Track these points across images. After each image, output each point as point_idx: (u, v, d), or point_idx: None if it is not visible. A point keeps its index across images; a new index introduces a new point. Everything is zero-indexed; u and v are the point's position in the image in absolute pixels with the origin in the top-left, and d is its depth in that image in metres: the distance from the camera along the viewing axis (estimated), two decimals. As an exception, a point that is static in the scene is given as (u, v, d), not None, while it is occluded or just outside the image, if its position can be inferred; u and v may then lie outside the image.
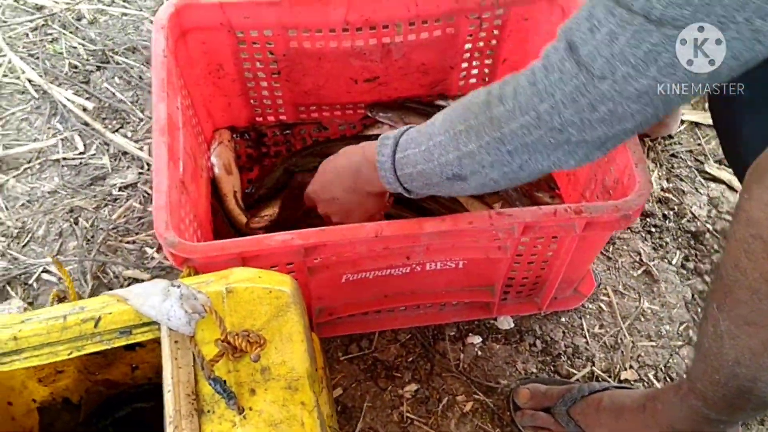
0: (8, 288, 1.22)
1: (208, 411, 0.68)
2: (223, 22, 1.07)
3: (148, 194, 1.32)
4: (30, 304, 1.20)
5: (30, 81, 1.48)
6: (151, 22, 1.55)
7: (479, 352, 1.16)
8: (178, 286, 0.75)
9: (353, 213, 0.99)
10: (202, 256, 0.85)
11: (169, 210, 0.87)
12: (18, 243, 1.28)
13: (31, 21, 1.58)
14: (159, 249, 1.26)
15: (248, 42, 1.12)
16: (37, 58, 1.51)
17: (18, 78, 1.49)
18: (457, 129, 0.76)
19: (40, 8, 1.61)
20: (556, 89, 0.64)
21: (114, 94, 1.46)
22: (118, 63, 1.50)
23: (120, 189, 1.33)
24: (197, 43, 1.11)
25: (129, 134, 1.40)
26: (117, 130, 1.41)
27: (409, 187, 0.85)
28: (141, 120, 1.42)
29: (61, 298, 0.89)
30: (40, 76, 1.48)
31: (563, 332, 1.19)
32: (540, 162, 0.72)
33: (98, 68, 1.50)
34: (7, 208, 1.32)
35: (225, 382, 0.67)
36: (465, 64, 1.25)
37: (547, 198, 1.23)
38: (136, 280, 1.22)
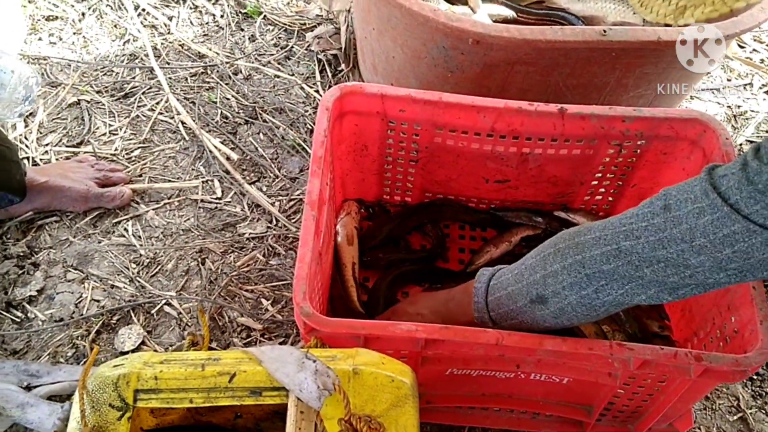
0: (132, 314, 1.31)
1: (322, 482, 0.73)
2: (379, 110, 1.15)
3: (273, 248, 1.40)
4: (149, 332, 1.28)
5: (183, 123, 1.60)
6: (302, 88, 1.66)
7: (565, 468, 1.16)
8: (314, 361, 0.81)
9: None
10: (331, 331, 0.90)
11: (308, 281, 0.93)
12: (147, 273, 1.37)
13: (192, 67, 1.72)
14: (274, 302, 1.33)
15: (397, 131, 1.20)
16: (193, 102, 1.64)
17: (173, 118, 1.61)
18: (547, 252, 0.88)
19: (201, 56, 1.74)
20: (642, 233, 0.76)
21: (257, 148, 1.56)
22: (265, 120, 1.61)
23: (248, 239, 1.41)
24: (351, 124, 1.19)
25: (264, 188, 1.49)
26: (254, 183, 1.50)
27: (495, 315, 0.96)
28: (277, 177, 1.51)
29: (195, 343, 0.96)
30: (193, 120, 1.60)
31: (652, 465, 1.17)
32: (613, 291, 0.81)
33: (246, 122, 1.61)
34: (142, 238, 1.42)
35: (340, 459, 0.72)
36: (595, 182, 1.29)
37: (655, 327, 1.23)
38: (248, 329, 1.29)
